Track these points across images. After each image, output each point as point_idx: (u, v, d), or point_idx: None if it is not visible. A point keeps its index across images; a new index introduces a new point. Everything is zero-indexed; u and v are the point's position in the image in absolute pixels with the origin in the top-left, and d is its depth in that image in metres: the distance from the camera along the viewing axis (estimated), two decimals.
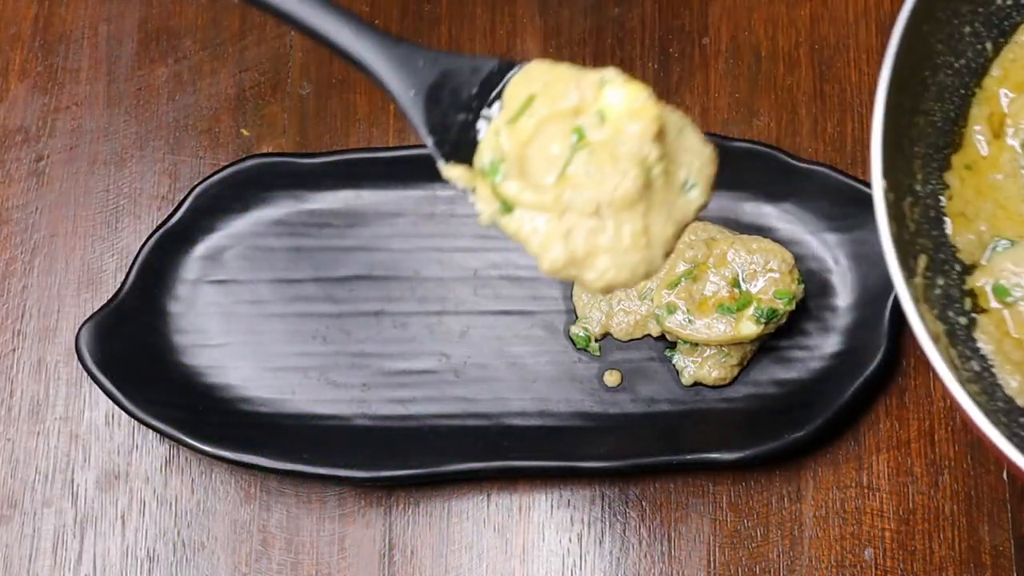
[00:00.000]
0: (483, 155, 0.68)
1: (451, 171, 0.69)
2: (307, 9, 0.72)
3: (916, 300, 0.71)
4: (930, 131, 0.79)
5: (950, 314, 0.77)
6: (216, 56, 0.99)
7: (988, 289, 0.78)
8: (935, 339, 0.71)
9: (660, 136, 0.67)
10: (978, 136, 0.80)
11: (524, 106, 0.68)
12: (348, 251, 0.93)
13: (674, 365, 0.90)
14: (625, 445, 0.88)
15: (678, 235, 0.68)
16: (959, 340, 0.77)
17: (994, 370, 0.77)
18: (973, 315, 0.78)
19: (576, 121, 0.68)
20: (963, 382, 0.71)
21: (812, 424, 0.87)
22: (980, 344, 0.78)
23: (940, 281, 0.77)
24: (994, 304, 0.78)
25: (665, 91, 0.96)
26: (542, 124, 0.68)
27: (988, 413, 0.69)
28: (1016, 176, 0.79)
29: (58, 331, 0.93)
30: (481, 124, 0.70)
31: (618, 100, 0.68)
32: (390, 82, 0.71)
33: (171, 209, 0.94)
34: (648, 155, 0.67)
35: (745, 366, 0.90)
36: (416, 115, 0.70)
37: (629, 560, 0.88)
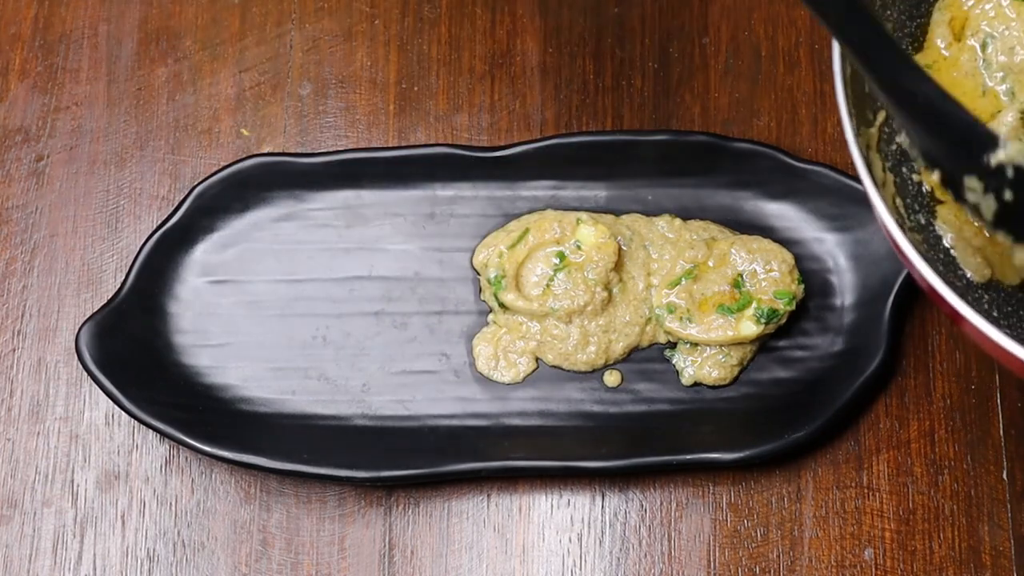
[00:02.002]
0: (489, 271, 0.90)
1: None
2: None
3: (868, 147, 0.78)
4: (896, 35, 0.84)
5: (904, 171, 0.82)
6: (216, 56, 0.99)
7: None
8: (880, 184, 0.76)
9: (619, 266, 0.90)
10: (939, 39, 0.84)
11: (520, 237, 0.90)
12: (348, 251, 0.93)
13: (674, 365, 0.90)
14: (625, 445, 0.88)
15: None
16: (910, 196, 0.81)
17: (954, 254, 0.81)
18: (933, 205, 0.82)
19: (558, 248, 0.90)
20: (905, 229, 0.74)
21: (812, 424, 0.87)
22: (940, 232, 0.82)
23: (903, 170, 0.82)
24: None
25: (665, 91, 0.96)
26: (533, 250, 0.90)
27: (928, 261, 0.72)
28: (974, 74, 0.83)
29: (58, 331, 0.93)
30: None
31: (590, 234, 0.90)
32: None
33: (171, 209, 0.94)
34: (611, 280, 0.90)
35: (745, 366, 0.90)
36: None
37: (629, 560, 0.88)
